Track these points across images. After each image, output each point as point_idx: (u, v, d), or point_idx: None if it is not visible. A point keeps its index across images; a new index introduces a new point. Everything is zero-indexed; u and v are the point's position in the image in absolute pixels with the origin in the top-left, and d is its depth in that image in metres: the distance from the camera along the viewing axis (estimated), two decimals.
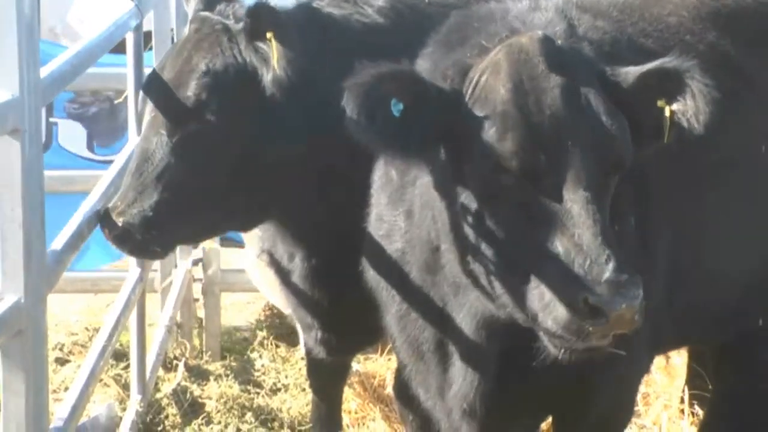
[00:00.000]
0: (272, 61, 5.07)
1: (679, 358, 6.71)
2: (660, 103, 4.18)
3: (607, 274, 3.76)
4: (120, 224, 5.04)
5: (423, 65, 4.73)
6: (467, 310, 4.52)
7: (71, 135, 8.70)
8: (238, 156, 5.24)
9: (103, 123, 8.44)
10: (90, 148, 8.82)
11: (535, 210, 3.97)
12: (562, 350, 3.95)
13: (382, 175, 4.92)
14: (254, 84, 5.14)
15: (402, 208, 4.75)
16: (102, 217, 5.08)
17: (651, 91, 4.19)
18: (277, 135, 5.25)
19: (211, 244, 6.60)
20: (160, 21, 7.11)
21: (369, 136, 4.07)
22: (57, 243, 4.55)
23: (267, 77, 5.10)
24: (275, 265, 5.90)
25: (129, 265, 6.07)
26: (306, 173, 5.38)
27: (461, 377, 4.74)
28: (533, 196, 3.97)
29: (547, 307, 3.88)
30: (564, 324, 3.83)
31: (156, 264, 6.99)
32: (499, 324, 4.42)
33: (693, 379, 6.76)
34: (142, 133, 5.25)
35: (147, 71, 6.37)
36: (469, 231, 4.13)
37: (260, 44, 5.11)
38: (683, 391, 6.82)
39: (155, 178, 5.12)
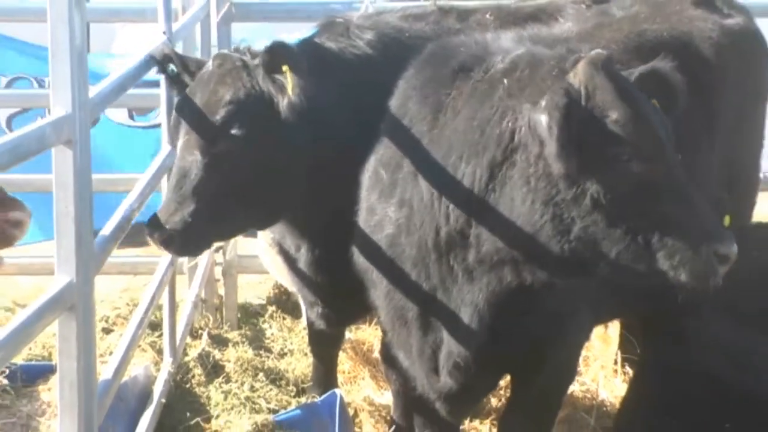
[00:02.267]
0: (288, 89, 5.09)
1: (613, 328, 6.73)
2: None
3: (724, 232, 4.08)
4: (166, 231, 5.10)
5: (407, 86, 4.76)
6: (485, 283, 4.54)
7: (116, 112, 8.90)
8: (259, 169, 5.27)
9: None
10: (130, 116, 8.99)
11: (659, 187, 4.12)
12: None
13: (372, 175, 4.96)
14: (270, 109, 5.19)
15: (393, 200, 4.75)
16: (150, 225, 5.12)
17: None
18: (289, 150, 5.30)
19: None
20: (187, 51, 7.10)
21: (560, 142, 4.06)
22: (102, 234, 4.56)
23: (283, 103, 5.16)
24: (284, 253, 5.95)
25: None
26: (310, 182, 5.40)
27: (452, 341, 4.78)
28: (657, 176, 4.12)
29: (682, 263, 4.06)
30: (701, 273, 4.07)
31: None
32: (508, 293, 4.51)
33: (624, 345, 6.81)
34: (177, 153, 5.28)
35: None
36: (591, 213, 4.15)
37: (277, 76, 5.14)
38: (616, 354, 6.86)
39: (192, 190, 5.17)
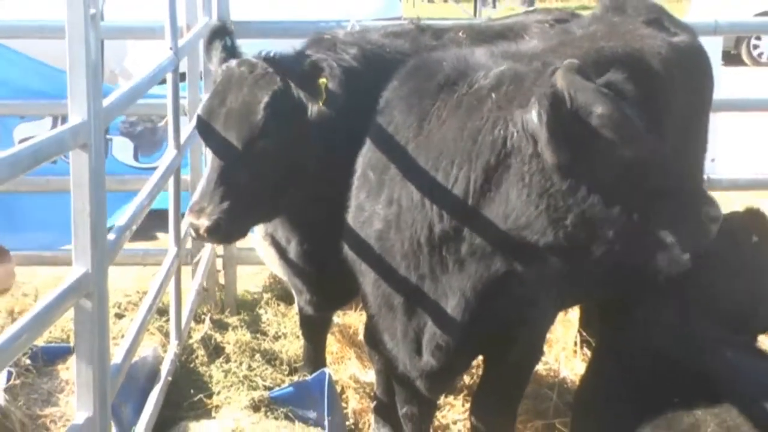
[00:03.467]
0: (320, 99, 5.18)
1: (574, 313, 6.76)
2: None
3: (710, 196, 4.28)
4: (213, 220, 5.07)
5: (392, 96, 4.80)
6: (474, 271, 4.60)
7: (122, 148, 8.75)
8: (288, 165, 5.31)
9: (146, 138, 8.44)
10: (135, 157, 8.87)
11: (648, 167, 4.27)
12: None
13: (360, 176, 4.99)
14: (300, 112, 5.23)
15: (381, 198, 4.79)
16: (193, 213, 5.13)
17: None
18: (310, 150, 5.35)
19: None
20: (192, 65, 7.13)
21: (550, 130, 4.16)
22: (115, 229, 4.58)
23: (313, 109, 5.21)
24: (276, 245, 5.96)
25: (169, 244, 6.09)
26: (314, 181, 5.44)
27: (436, 324, 4.83)
28: (645, 157, 4.25)
29: (679, 228, 4.23)
30: (698, 233, 4.30)
31: (189, 243, 7.01)
32: (494, 281, 4.57)
33: (584, 329, 6.83)
34: (213, 149, 5.28)
35: (182, 101, 6.47)
36: (587, 199, 4.24)
37: (311, 85, 5.22)
38: (576, 337, 6.90)
39: (234, 184, 5.17)
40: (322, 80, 5.22)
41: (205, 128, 5.35)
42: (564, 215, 4.24)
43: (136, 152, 9.05)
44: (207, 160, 5.50)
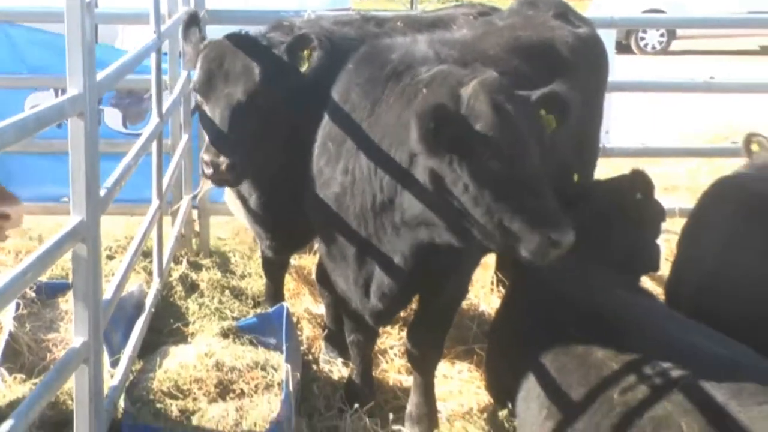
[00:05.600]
0: (304, 65, 5.31)
1: (491, 257, 6.79)
2: (543, 112, 4.42)
3: (560, 221, 4.03)
4: (230, 160, 5.05)
5: (349, 79, 4.84)
6: (408, 238, 4.60)
7: (112, 117, 8.73)
8: (282, 118, 5.36)
9: (132, 109, 8.38)
10: (124, 125, 8.84)
11: (513, 182, 4.12)
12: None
13: (321, 145, 4.98)
14: (288, 75, 5.31)
15: (338, 166, 4.78)
16: (210, 154, 5.07)
17: (541, 106, 4.40)
18: (287, 112, 5.38)
19: (205, 185, 6.58)
20: (173, 46, 7.07)
21: (425, 142, 4.12)
22: (106, 184, 4.55)
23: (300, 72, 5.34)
24: (241, 198, 5.94)
25: (152, 197, 6.05)
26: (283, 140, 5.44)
27: (381, 275, 4.84)
28: (514, 174, 4.12)
29: (522, 242, 4.08)
30: (535, 252, 4.08)
31: (169, 197, 6.97)
32: (425, 246, 4.56)
33: (499, 271, 6.89)
34: (217, 104, 5.24)
35: (164, 77, 6.41)
36: (459, 195, 4.21)
37: (297, 53, 5.34)
38: (493, 277, 6.95)
39: (243, 132, 5.19)
40: (307, 51, 5.30)
41: (206, 87, 5.31)
42: (452, 204, 4.25)
43: (124, 120, 9.00)
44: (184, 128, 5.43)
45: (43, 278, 5.97)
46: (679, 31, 22.67)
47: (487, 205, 4.14)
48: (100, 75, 4.35)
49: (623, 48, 21.09)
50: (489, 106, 4.15)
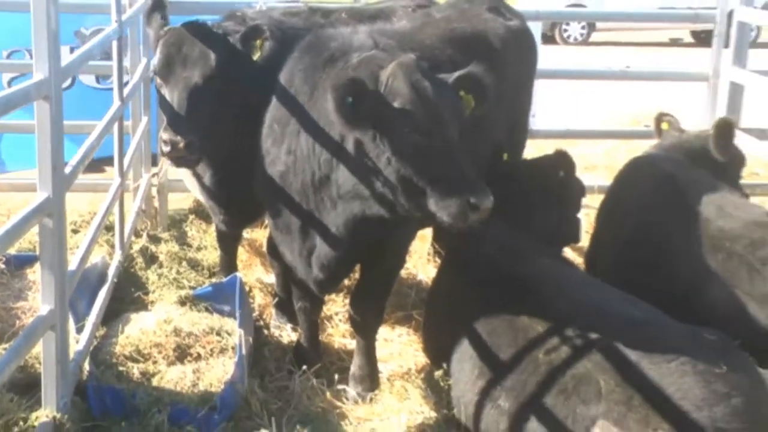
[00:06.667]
0: (256, 53, 5.29)
1: (428, 230, 6.82)
2: (462, 93, 4.39)
3: (478, 186, 3.99)
4: (189, 138, 5.01)
5: (294, 66, 4.76)
6: (344, 211, 4.57)
7: (86, 78, 9.26)
8: (237, 100, 5.33)
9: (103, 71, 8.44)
10: (97, 81, 9.28)
11: (431, 152, 4.09)
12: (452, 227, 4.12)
13: (268, 127, 4.95)
14: (241, 61, 5.29)
15: (283, 147, 4.76)
16: (170, 133, 5.00)
17: (459, 87, 4.38)
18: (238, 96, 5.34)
19: (164, 164, 6.54)
20: (133, 34, 6.97)
21: (341, 113, 4.11)
22: (71, 163, 4.49)
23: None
24: (196, 175, 5.90)
25: (114, 175, 6.00)
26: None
27: (322, 247, 4.83)
28: (431, 144, 4.09)
29: (443, 207, 4.02)
30: (456, 215, 4.02)
31: (130, 175, 6.90)
32: (359, 219, 4.52)
33: (435, 242, 6.92)
34: (177, 87, 5.19)
35: (125, 63, 6.33)
36: (383, 168, 4.19)
37: (250, 42, 5.31)
38: (429, 249, 6.98)
39: (202, 113, 5.16)
40: (259, 41, 5.28)
41: (166, 71, 5.26)
42: (378, 177, 4.24)
43: (98, 78, 9.34)
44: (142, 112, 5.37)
45: (12, 251, 5.91)
46: (599, 24, 22.85)
47: (408, 175, 4.13)
48: (65, 61, 4.30)
49: (548, 39, 21.21)
50: (405, 84, 4.17)
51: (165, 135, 5.01)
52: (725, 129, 6.13)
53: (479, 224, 4.10)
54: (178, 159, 5.12)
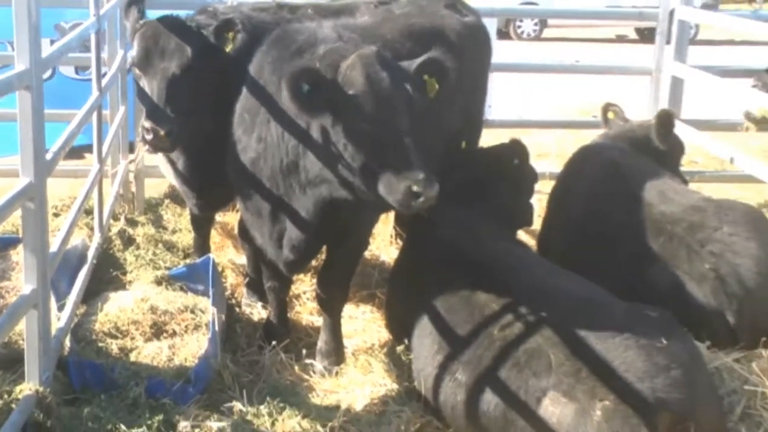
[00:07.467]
0: (229, 46, 5.24)
1: (391, 214, 6.81)
2: (426, 77, 4.43)
3: (422, 175, 3.94)
4: (169, 126, 4.97)
5: (262, 58, 4.73)
6: (312, 195, 4.57)
7: (65, 69, 9.23)
8: (209, 91, 5.26)
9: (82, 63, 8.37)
10: (76, 72, 9.25)
11: (380, 140, 4.07)
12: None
13: (239, 116, 4.93)
14: (214, 52, 5.24)
15: (253, 135, 4.74)
16: (152, 120, 4.96)
17: (422, 71, 4.41)
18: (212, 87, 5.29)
19: (141, 151, 6.48)
20: (110, 28, 6.90)
21: (296, 100, 4.11)
22: (52, 150, 4.45)
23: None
24: (171, 162, 5.86)
25: (93, 162, 5.94)
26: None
27: (292, 229, 4.81)
28: (380, 133, 4.07)
29: (389, 193, 4.02)
30: (400, 201, 4.01)
31: (108, 161, 6.84)
32: (327, 202, 4.52)
33: (398, 225, 6.93)
34: (156, 77, 5.14)
35: (102, 55, 6.26)
36: (342, 153, 4.19)
37: (223, 36, 5.26)
38: (392, 231, 6.99)
39: (181, 102, 5.10)
40: (231, 34, 5.24)
41: (144, 63, 5.20)
42: (340, 162, 4.24)
43: (76, 70, 9.28)
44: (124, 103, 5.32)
45: None
46: (551, 21, 22.92)
47: (361, 161, 4.15)
48: (45, 53, 4.24)
49: (503, 34, 21.22)
50: (361, 74, 4.16)
51: (147, 123, 4.98)
52: (666, 119, 6.20)
53: (426, 210, 4.11)
54: (157, 146, 5.09)
